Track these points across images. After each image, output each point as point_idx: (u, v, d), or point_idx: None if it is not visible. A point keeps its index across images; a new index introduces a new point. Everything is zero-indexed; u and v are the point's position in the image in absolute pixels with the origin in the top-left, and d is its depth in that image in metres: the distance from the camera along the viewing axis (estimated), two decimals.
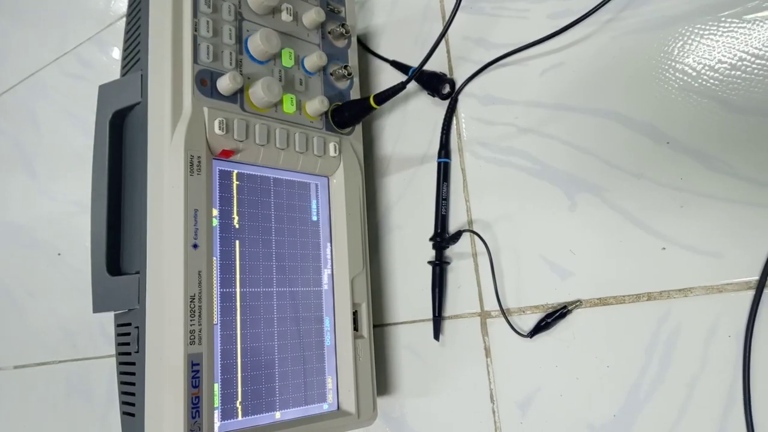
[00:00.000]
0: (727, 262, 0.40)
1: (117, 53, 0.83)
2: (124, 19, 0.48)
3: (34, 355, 0.85)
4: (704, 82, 0.42)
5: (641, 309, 0.42)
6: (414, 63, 0.55)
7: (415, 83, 0.54)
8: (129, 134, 0.45)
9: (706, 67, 0.42)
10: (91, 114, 0.47)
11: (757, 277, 0.38)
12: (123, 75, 0.47)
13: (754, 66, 0.40)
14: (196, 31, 0.42)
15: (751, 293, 0.39)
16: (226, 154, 0.42)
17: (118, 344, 0.43)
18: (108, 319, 0.45)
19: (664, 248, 0.42)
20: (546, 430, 0.45)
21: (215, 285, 0.41)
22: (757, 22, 0.40)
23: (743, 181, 0.39)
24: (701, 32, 0.42)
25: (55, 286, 0.83)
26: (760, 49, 0.40)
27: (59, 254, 0.84)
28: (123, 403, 0.42)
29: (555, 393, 0.45)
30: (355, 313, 0.48)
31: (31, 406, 0.84)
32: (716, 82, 0.41)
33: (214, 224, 0.42)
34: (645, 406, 0.41)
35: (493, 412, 0.48)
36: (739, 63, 0.40)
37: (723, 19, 0.41)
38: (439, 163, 0.52)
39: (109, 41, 0.84)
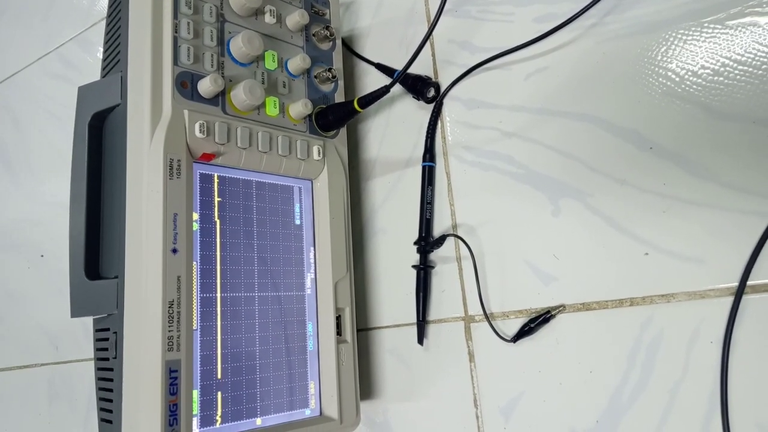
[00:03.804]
0: (709, 267, 0.40)
1: (101, 53, 0.82)
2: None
3: (16, 358, 0.84)
4: (687, 88, 0.42)
5: (624, 314, 0.42)
6: (399, 66, 0.55)
7: (400, 86, 0.54)
8: (108, 136, 0.44)
9: (689, 73, 0.42)
10: (74, 115, 0.46)
11: (738, 284, 0.38)
12: (103, 76, 0.46)
13: (736, 72, 0.40)
14: (176, 32, 0.41)
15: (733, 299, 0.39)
16: (207, 158, 0.42)
17: (97, 350, 0.43)
18: (91, 321, 0.44)
19: (646, 254, 0.42)
20: None
21: (195, 290, 0.41)
22: (739, 29, 0.40)
23: (725, 187, 0.40)
24: (684, 38, 0.42)
25: (37, 288, 0.82)
26: (743, 55, 0.40)
27: (42, 256, 0.83)
28: (101, 409, 0.42)
29: (538, 398, 0.45)
30: (338, 318, 0.48)
31: (12, 409, 0.83)
32: (699, 88, 0.41)
33: (194, 228, 0.41)
34: (627, 411, 0.41)
35: (477, 417, 0.48)
36: (722, 69, 0.41)
37: (706, 25, 0.41)
38: (423, 167, 0.52)
39: (93, 41, 0.83)
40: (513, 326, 0.46)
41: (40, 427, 0.78)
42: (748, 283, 0.38)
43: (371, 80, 0.58)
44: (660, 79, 0.43)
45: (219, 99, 0.43)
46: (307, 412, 0.46)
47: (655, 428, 0.40)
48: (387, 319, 0.53)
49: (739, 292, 0.38)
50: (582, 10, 0.46)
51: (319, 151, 0.48)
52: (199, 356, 0.40)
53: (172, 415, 0.37)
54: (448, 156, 0.52)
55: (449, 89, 0.52)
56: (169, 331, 0.37)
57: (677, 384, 0.40)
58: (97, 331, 0.43)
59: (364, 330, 0.55)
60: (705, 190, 0.40)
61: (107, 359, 0.41)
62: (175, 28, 0.41)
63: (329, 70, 0.50)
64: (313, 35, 0.51)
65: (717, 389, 0.38)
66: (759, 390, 0.37)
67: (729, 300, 0.39)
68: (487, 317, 0.47)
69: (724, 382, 0.38)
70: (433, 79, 0.53)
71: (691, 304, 0.40)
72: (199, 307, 0.41)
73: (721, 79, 0.41)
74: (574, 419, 0.43)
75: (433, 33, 0.54)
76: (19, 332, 0.84)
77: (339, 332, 0.48)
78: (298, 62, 0.47)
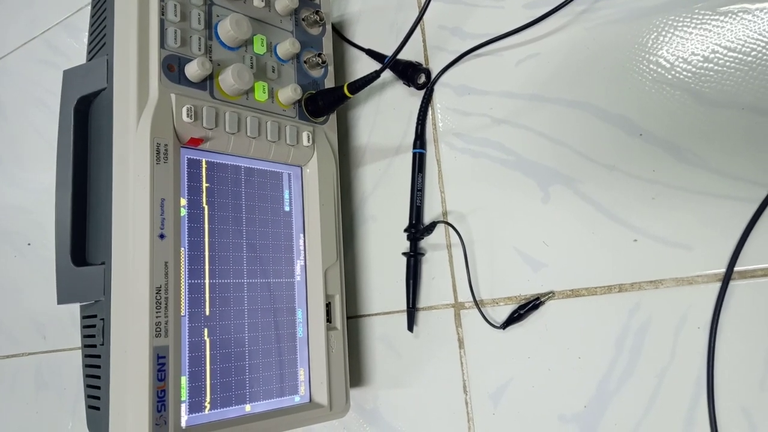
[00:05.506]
0: (697, 253, 0.40)
1: None
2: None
3: (3, 347, 0.83)
4: (677, 74, 0.42)
5: (612, 300, 0.42)
6: (390, 52, 0.54)
7: (391, 72, 0.53)
8: (94, 121, 0.44)
9: (680, 59, 0.42)
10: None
11: (725, 270, 0.39)
12: (89, 60, 0.45)
13: (726, 58, 0.40)
14: (163, 14, 0.41)
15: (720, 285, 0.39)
16: (194, 143, 0.41)
17: (84, 336, 0.42)
18: (78, 308, 0.44)
19: (635, 240, 0.42)
20: (518, 420, 0.45)
21: (183, 276, 0.40)
22: (730, 15, 0.40)
23: (714, 174, 0.40)
24: (675, 24, 0.42)
25: (24, 277, 0.82)
26: (733, 41, 0.40)
27: (29, 244, 0.82)
28: (88, 396, 0.41)
29: (527, 384, 0.45)
30: (328, 305, 0.48)
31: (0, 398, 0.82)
32: (689, 74, 0.41)
33: (182, 214, 0.41)
34: (615, 396, 0.42)
35: (466, 403, 0.48)
36: (712, 55, 0.41)
37: (697, 11, 0.41)
38: (414, 154, 0.51)
39: (80, 26, 0.82)
40: (502, 313, 0.47)
41: (28, 416, 0.78)
42: (736, 269, 0.38)
43: (361, 66, 0.57)
44: (650, 66, 0.42)
45: (207, 83, 0.42)
46: (297, 399, 0.46)
47: (642, 413, 0.41)
48: (377, 306, 0.53)
49: (727, 278, 0.38)
50: None
51: (308, 137, 0.48)
52: (187, 342, 0.40)
53: (160, 401, 0.37)
54: (439, 143, 0.51)
55: (440, 75, 0.52)
56: (157, 317, 0.37)
57: (664, 369, 0.40)
58: (84, 318, 0.42)
59: (354, 317, 0.54)
60: (693, 176, 0.40)
61: (95, 346, 0.40)
62: (162, 11, 0.41)
63: (319, 55, 0.50)
64: (303, 20, 0.50)
65: (703, 374, 0.39)
66: (744, 375, 0.38)
67: (716, 286, 0.39)
68: (477, 304, 0.47)
69: (711, 367, 0.38)
70: (424, 65, 0.53)
71: (679, 290, 0.40)
72: (187, 293, 0.40)
73: (711, 65, 0.40)
74: (563, 404, 0.44)
75: (424, 18, 0.53)
76: (6, 321, 0.83)
77: (329, 319, 0.47)
78: (287, 47, 0.47)
